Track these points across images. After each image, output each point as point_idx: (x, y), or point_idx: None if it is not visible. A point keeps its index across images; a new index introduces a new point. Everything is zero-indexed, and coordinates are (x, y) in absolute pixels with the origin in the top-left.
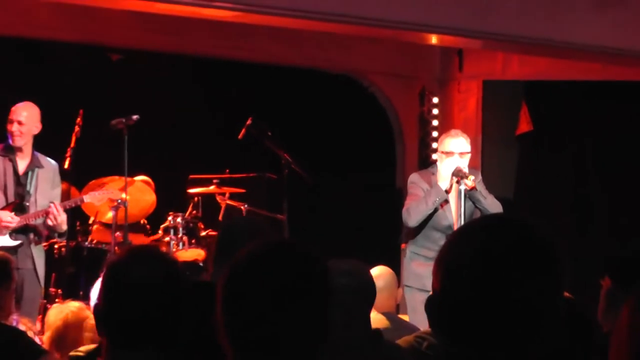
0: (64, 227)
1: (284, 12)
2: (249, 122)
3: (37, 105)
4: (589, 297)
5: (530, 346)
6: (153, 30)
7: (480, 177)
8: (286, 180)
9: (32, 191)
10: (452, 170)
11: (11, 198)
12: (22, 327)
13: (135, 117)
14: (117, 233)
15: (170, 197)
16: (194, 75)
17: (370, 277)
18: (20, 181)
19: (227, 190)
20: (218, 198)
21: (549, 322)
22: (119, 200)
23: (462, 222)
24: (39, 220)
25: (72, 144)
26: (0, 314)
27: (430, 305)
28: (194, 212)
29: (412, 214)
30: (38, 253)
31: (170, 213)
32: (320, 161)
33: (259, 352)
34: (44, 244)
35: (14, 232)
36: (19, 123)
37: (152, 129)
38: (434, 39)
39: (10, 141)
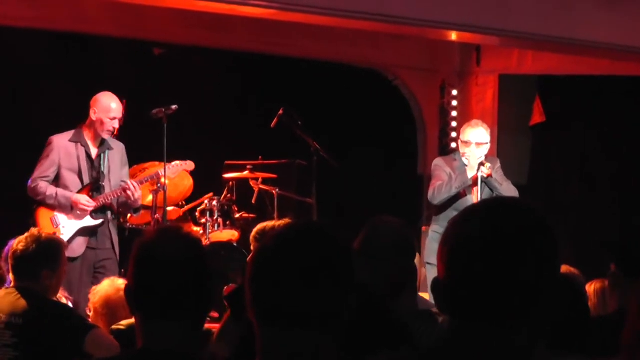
0: (140, 202)
1: (317, 11)
2: (280, 112)
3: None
4: (594, 273)
5: (528, 322)
6: (194, 26)
7: (498, 164)
8: (315, 166)
9: (105, 172)
10: (477, 159)
11: (86, 181)
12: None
13: (174, 107)
14: (157, 215)
15: (207, 182)
16: (231, 69)
17: None
18: (94, 164)
19: (260, 175)
20: (251, 183)
21: (544, 299)
22: (159, 185)
23: None
24: (114, 200)
25: (116, 132)
26: (52, 292)
27: (435, 284)
28: (229, 195)
29: (437, 194)
30: (115, 232)
31: (207, 197)
32: (348, 149)
33: (285, 328)
34: (128, 223)
35: (94, 212)
36: (119, 120)
37: (191, 118)
38: (454, 36)
39: (105, 135)
